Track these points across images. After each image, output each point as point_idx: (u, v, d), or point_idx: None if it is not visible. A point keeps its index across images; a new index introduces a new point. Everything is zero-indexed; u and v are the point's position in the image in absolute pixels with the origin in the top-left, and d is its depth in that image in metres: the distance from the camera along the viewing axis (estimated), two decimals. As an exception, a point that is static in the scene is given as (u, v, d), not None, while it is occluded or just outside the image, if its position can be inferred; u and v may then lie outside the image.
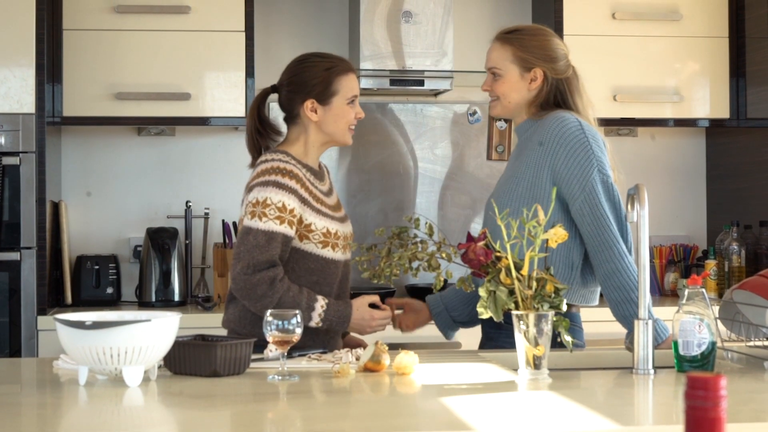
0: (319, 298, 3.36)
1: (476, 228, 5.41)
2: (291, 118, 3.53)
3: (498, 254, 2.88)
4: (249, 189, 3.42)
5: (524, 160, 3.47)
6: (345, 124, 3.49)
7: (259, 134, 3.54)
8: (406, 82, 5.17)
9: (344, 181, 5.45)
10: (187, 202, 5.18)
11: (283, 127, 3.58)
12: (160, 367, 2.95)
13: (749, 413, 2.45)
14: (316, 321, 3.34)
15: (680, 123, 5.35)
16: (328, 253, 3.43)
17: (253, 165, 3.52)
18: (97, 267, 5.04)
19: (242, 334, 3.37)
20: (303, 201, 3.38)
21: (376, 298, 3.47)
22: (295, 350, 3.09)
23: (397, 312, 3.57)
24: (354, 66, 3.58)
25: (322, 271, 3.43)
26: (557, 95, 3.54)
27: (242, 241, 3.36)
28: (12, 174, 4.57)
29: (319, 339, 3.41)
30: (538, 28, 3.64)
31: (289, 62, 3.62)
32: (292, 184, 3.37)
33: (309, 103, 3.46)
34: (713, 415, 1.61)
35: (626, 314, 3.28)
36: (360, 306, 3.42)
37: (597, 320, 4.90)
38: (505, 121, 5.53)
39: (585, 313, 4.90)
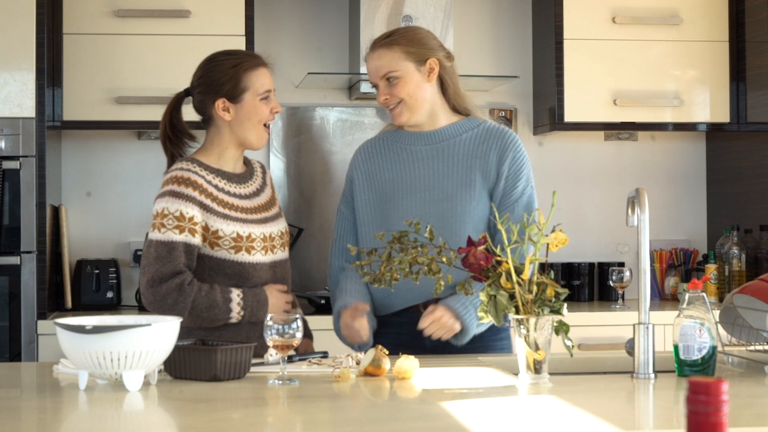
0: (233, 289, 3.36)
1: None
2: (206, 120, 3.51)
3: (498, 258, 2.88)
4: (155, 200, 3.42)
5: (476, 167, 3.50)
6: (258, 122, 3.46)
7: (170, 141, 3.52)
8: (406, 86, 5.16)
9: (344, 184, 5.43)
10: (187, 206, 5.17)
11: (200, 134, 3.57)
12: (160, 371, 2.94)
13: (750, 417, 2.44)
14: (237, 312, 3.35)
15: (680, 127, 5.35)
16: (243, 257, 3.40)
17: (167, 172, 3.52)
18: (97, 271, 5.03)
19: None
20: (205, 208, 3.36)
21: (280, 285, 3.48)
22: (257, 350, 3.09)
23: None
24: (265, 60, 3.54)
25: (240, 275, 3.41)
26: (453, 87, 3.56)
27: (145, 254, 3.37)
28: (12, 178, 4.57)
29: (243, 332, 3.40)
30: (410, 26, 3.67)
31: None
32: (189, 192, 3.35)
33: (220, 103, 3.44)
34: (715, 419, 1.61)
35: None
36: (271, 288, 3.43)
37: (597, 324, 4.90)
38: (506, 125, 5.53)
39: (584, 318, 4.91)
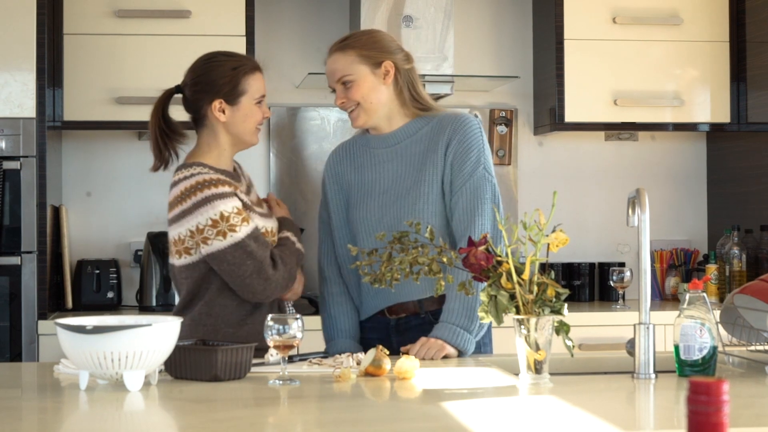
0: (282, 233, 3.52)
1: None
2: (198, 119, 3.50)
3: (499, 259, 2.88)
4: (183, 214, 3.38)
5: (428, 162, 3.49)
6: (253, 124, 3.48)
7: (166, 135, 3.50)
8: (406, 86, 5.16)
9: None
10: (187, 207, 5.17)
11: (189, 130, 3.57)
12: (161, 371, 2.94)
13: (750, 418, 2.44)
14: (300, 245, 3.51)
15: (681, 127, 5.35)
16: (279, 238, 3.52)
17: (156, 169, 3.52)
18: (97, 271, 5.03)
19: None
20: (242, 202, 3.43)
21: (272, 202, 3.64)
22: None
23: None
24: (260, 65, 3.55)
25: None
26: (410, 89, 3.54)
27: (240, 259, 3.35)
28: (13, 178, 4.57)
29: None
30: (366, 29, 3.70)
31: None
32: (227, 189, 3.37)
33: (217, 104, 3.44)
34: (715, 419, 1.61)
35: None
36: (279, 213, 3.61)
37: (597, 324, 4.90)
38: (507, 125, 5.53)
39: (585, 318, 4.91)
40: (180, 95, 3.54)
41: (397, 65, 3.52)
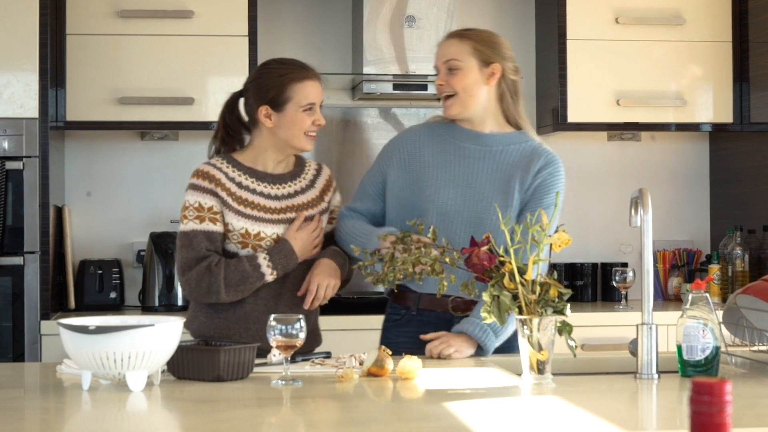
0: (257, 254, 3.46)
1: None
2: (251, 121, 3.58)
3: (501, 259, 2.88)
4: None
5: (516, 178, 3.52)
6: (299, 131, 3.51)
7: (229, 134, 3.61)
8: (409, 86, 5.17)
9: (347, 185, 5.44)
10: (190, 207, 5.18)
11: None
12: (163, 371, 2.94)
13: (753, 418, 2.44)
14: (269, 273, 3.44)
15: (683, 127, 5.34)
16: (249, 253, 3.48)
17: (217, 151, 3.64)
18: (100, 271, 5.03)
19: (205, 336, 3.43)
20: (222, 201, 3.47)
21: (296, 222, 3.52)
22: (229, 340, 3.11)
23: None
24: (315, 74, 3.58)
25: None
26: (512, 98, 3.60)
27: (176, 247, 3.53)
28: (15, 178, 4.57)
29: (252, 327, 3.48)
30: (491, 30, 3.70)
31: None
32: (206, 184, 3.47)
33: (263, 109, 3.51)
34: (718, 420, 1.61)
35: None
36: (292, 235, 3.49)
37: (600, 325, 4.90)
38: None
39: (587, 318, 4.91)
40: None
41: (505, 72, 3.56)
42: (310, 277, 3.48)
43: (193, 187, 3.48)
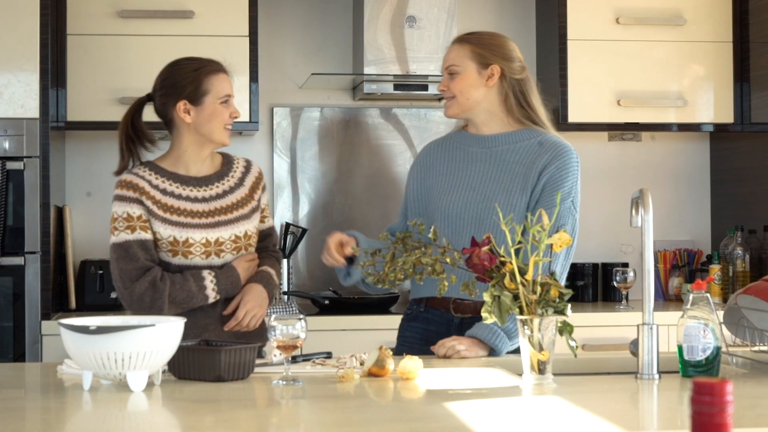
0: (204, 273, 3.47)
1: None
2: (167, 123, 3.59)
3: (502, 259, 2.88)
4: None
5: (520, 174, 3.53)
6: (219, 123, 3.53)
7: (131, 141, 3.60)
8: (410, 87, 5.17)
9: (348, 185, 5.44)
10: (190, 207, 5.18)
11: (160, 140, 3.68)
12: (164, 371, 2.94)
13: (754, 418, 2.44)
14: (213, 296, 3.47)
15: (684, 128, 5.34)
16: (180, 260, 3.50)
17: (119, 172, 3.61)
18: (101, 272, 5.03)
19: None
20: (147, 210, 3.49)
21: (247, 256, 3.57)
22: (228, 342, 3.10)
23: None
24: (225, 68, 3.64)
25: None
26: (518, 97, 3.60)
27: (111, 261, 3.51)
28: (16, 179, 4.58)
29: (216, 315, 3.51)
30: (495, 32, 3.74)
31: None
32: (130, 194, 3.49)
33: (182, 104, 3.52)
34: (719, 420, 1.61)
35: None
36: (239, 263, 3.53)
37: (600, 325, 4.90)
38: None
39: (588, 318, 4.91)
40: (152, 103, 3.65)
41: (505, 72, 3.58)
42: (240, 301, 3.50)
43: (119, 198, 3.49)
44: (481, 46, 3.58)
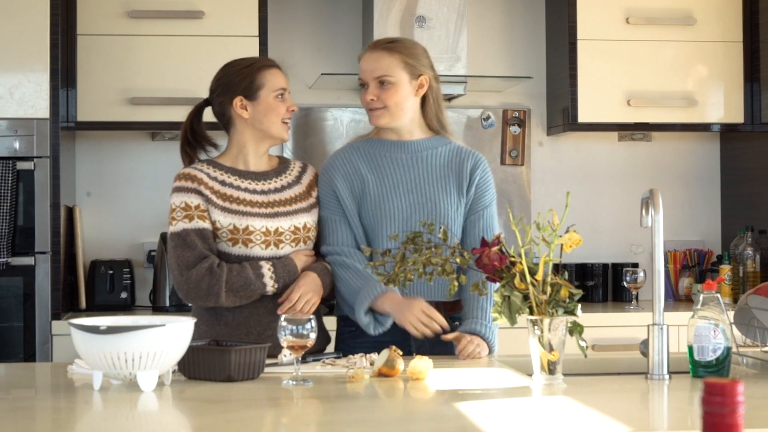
0: (262, 263, 3.45)
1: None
2: (225, 124, 3.58)
3: (512, 259, 2.88)
4: None
5: (452, 178, 3.60)
6: (276, 117, 3.53)
7: (189, 145, 3.60)
8: (419, 86, 5.16)
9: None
10: (200, 207, 5.18)
11: (219, 140, 3.67)
12: (174, 371, 2.95)
13: (764, 419, 2.44)
14: (271, 284, 3.43)
15: (694, 128, 5.34)
16: (240, 249, 3.47)
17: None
18: (111, 272, 5.04)
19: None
20: (206, 199, 3.46)
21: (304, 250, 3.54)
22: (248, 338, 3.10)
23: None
24: (278, 63, 3.62)
25: None
26: (434, 105, 3.65)
27: (168, 250, 3.49)
28: (26, 179, 4.58)
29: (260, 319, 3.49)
30: (410, 39, 3.79)
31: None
32: (188, 184, 3.47)
33: (238, 101, 3.52)
34: (730, 420, 1.61)
35: None
36: (296, 255, 3.51)
37: (611, 325, 4.90)
38: (520, 126, 5.52)
39: (598, 319, 4.91)
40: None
41: (431, 82, 3.62)
42: (294, 286, 3.48)
43: (177, 189, 3.48)
44: (410, 56, 3.60)
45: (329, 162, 3.69)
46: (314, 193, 3.64)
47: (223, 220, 3.45)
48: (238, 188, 3.51)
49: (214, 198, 3.46)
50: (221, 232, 3.45)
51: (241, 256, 3.46)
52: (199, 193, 3.45)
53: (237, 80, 3.53)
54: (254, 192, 3.52)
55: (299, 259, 3.50)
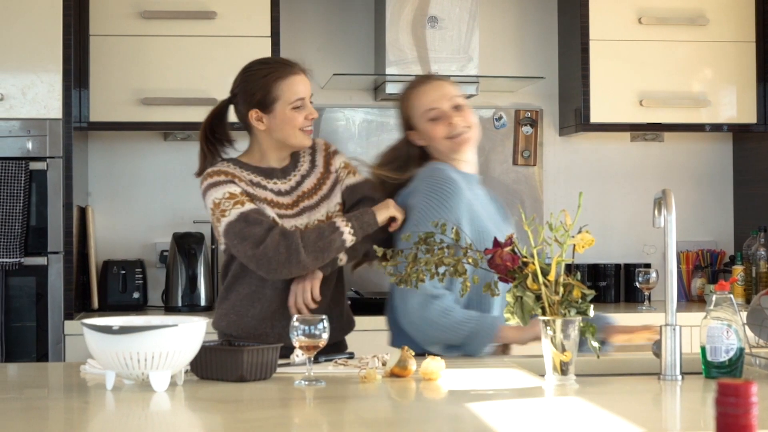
0: (335, 217, 3.44)
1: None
2: (246, 127, 3.55)
3: (525, 260, 2.88)
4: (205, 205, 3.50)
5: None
6: (293, 129, 3.47)
7: (210, 143, 3.54)
8: (431, 87, 5.16)
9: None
10: (213, 207, 5.19)
11: (239, 140, 3.63)
12: (186, 372, 2.95)
13: (778, 420, 2.43)
14: (349, 234, 3.38)
15: (707, 128, 5.33)
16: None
17: (199, 174, 3.55)
18: (123, 272, 5.05)
19: (232, 335, 3.45)
20: (245, 192, 3.43)
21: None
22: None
23: None
24: (301, 69, 3.54)
25: None
26: None
27: (230, 242, 3.41)
28: (39, 179, 4.59)
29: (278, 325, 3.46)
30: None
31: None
32: (223, 177, 3.43)
33: (253, 113, 3.47)
34: (744, 421, 1.61)
35: None
36: (379, 208, 3.45)
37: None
38: (532, 126, 5.52)
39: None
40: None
41: None
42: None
43: (213, 185, 3.43)
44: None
45: (452, 178, 3.48)
46: (332, 168, 3.59)
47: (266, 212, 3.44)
48: (265, 188, 3.49)
49: (253, 192, 3.44)
50: None
51: None
52: (236, 184, 3.42)
53: (252, 91, 3.47)
54: (280, 193, 3.50)
55: (381, 212, 3.43)
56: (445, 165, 3.52)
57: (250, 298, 3.48)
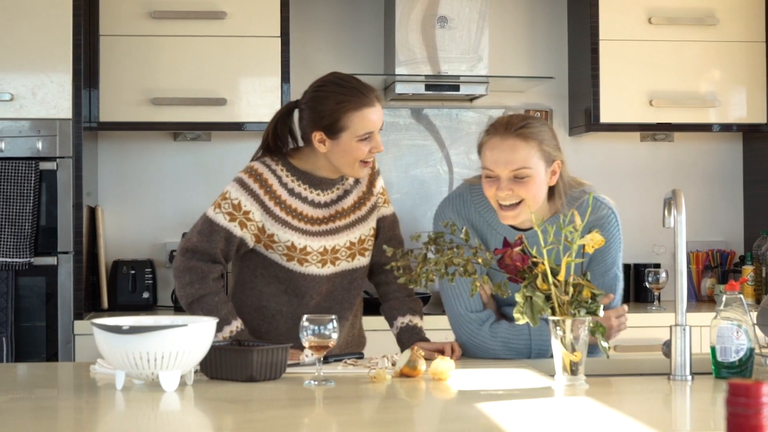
0: (238, 322, 3.32)
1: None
2: (306, 139, 3.42)
3: (534, 260, 2.87)
4: None
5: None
6: (353, 160, 3.34)
7: (276, 145, 3.43)
8: (441, 87, 5.17)
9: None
10: (222, 207, 5.19)
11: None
12: (196, 371, 2.95)
13: (788, 420, 2.43)
14: (223, 335, 3.28)
15: (716, 128, 5.32)
16: (295, 266, 3.39)
17: (253, 158, 3.50)
18: (133, 272, 5.06)
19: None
20: (266, 209, 3.34)
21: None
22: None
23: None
24: (376, 97, 3.38)
25: (290, 282, 3.41)
26: (563, 182, 3.34)
27: (194, 224, 3.41)
28: (49, 179, 4.60)
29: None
30: (537, 118, 3.43)
31: (325, 70, 3.55)
32: (255, 187, 3.35)
33: (317, 135, 3.33)
34: (755, 422, 1.60)
35: None
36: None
37: (633, 326, 4.88)
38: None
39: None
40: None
41: (563, 165, 3.30)
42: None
43: (241, 183, 3.35)
44: (545, 141, 3.22)
45: (487, 220, 3.40)
46: (374, 189, 3.55)
47: (282, 235, 3.36)
48: (304, 200, 3.40)
49: (276, 210, 3.35)
50: (277, 246, 3.37)
51: (295, 272, 3.40)
52: (260, 201, 3.33)
53: (323, 114, 3.32)
54: (317, 205, 3.42)
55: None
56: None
57: (260, 311, 3.47)
